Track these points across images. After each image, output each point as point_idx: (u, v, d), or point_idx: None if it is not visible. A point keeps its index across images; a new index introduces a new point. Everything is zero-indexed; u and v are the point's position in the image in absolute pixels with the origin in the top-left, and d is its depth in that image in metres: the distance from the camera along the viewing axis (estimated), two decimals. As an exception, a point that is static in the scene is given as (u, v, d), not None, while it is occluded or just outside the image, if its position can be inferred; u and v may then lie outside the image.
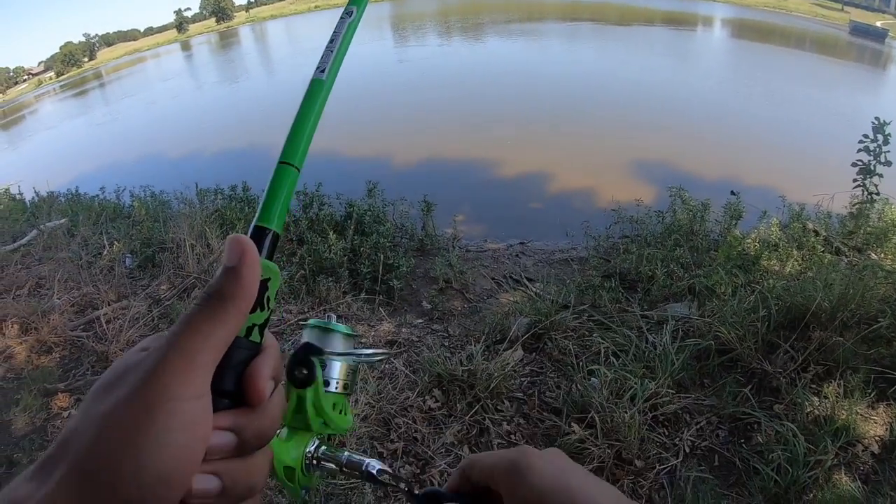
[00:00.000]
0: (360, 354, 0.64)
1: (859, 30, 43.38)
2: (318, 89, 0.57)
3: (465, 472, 0.60)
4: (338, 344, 0.63)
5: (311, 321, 0.64)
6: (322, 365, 0.61)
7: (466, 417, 3.25)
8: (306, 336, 0.63)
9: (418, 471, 2.94)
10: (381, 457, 3.02)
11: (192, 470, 0.40)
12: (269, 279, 0.47)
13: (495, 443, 3.12)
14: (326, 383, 0.61)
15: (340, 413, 0.63)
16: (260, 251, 0.48)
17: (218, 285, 0.43)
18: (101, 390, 0.40)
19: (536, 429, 3.23)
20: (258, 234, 0.49)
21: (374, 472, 0.65)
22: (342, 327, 0.64)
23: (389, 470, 0.66)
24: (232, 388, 0.45)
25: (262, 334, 0.48)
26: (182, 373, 0.39)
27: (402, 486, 0.66)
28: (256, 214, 0.50)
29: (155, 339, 0.43)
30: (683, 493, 2.78)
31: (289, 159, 0.53)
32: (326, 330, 0.64)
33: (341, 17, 0.62)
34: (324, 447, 0.64)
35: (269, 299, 0.48)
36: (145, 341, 0.44)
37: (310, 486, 0.65)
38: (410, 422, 3.21)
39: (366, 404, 3.26)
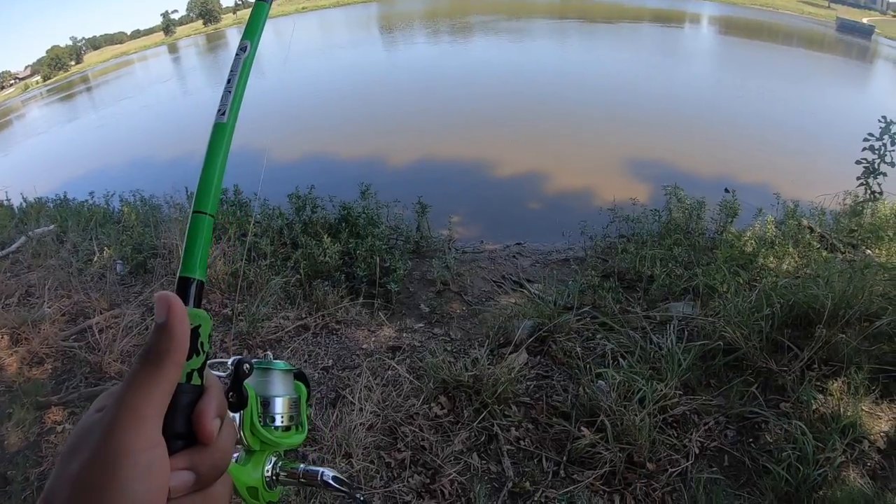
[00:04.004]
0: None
1: (846, 26, 43.88)
2: (221, 133, 0.59)
3: None
4: (276, 382, 0.71)
5: (254, 364, 0.68)
6: (258, 393, 0.68)
7: (474, 424, 3.21)
8: (252, 379, 0.67)
9: (428, 480, 2.89)
10: (388, 467, 2.97)
11: None
12: (199, 326, 0.51)
13: (505, 449, 3.08)
14: (272, 418, 0.69)
15: (288, 431, 0.70)
16: (186, 301, 0.51)
17: (152, 342, 0.47)
18: (69, 453, 0.45)
19: (545, 434, 3.19)
20: (183, 285, 0.53)
21: (329, 479, 0.75)
22: (280, 364, 0.72)
23: (343, 477, 0.76)
24: (183, 430, 0.48)
25: (202, 377, 0.51)
26: (133, 428, 0.43)
27: (358, 496, 0.79)
28: (180, 266, 0.54)
29: (107, 396, 0.48)
30: (696, 494, 2.75)
31: (202, 208, 0.56)
32: (266, 370, 0.71)
33: (236, 55, 0.63)
34: (280, 462, 0.72)
35: (202, 344, 0.51)
36: (99, 400, 0.49)
37: (275, 501, 0.71)
38: (417, 430, 3.16)
39: (371, 413, 3.21)
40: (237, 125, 0.60)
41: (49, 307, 4.85)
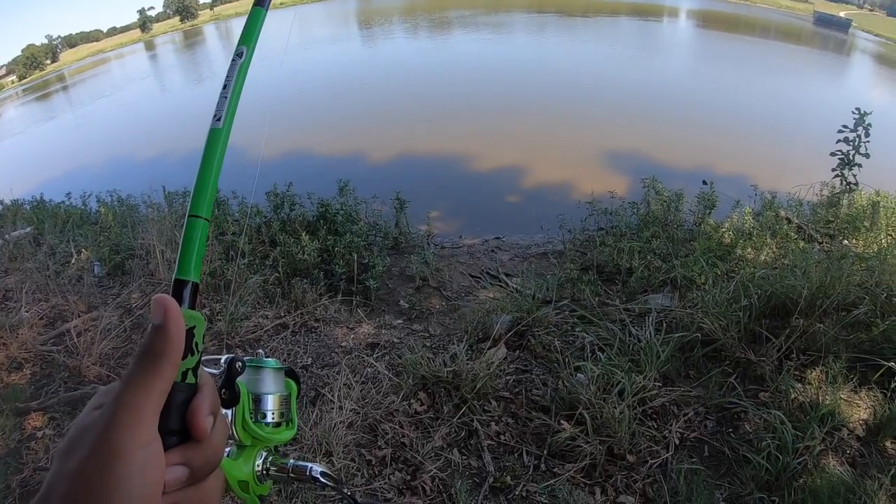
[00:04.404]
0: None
1: (823, 20, 44.48)
2: (216, 139, 0.60)
3: None
4: (268, 380, 0.72)
5: (246, 362, 0.70)
6: (250, 391, 0.69)
7: (454, 420, 3.19)
8: (244, 376, 0.68)
9: (409, 477, 2.87)
10: (369, 464, 2.95)
11: None
12: (193, 327, 0.52)
13: (485, 444, 3.07)
14: (263, 415, 0.70)
15: (279, 427, 0.71)
16: (181, 302, 0.53)
17: (149, 343, 0.48)
18: (67, 450, 0.46)
19: (525, 428, 3.18)
20: (178, 287, 0.54)
21: (318, 474, 0.78)
22: (272, 362, 0.74)
23: (331, 472, 0.80)
24: (178, 427, 0.50)
25: (196, 375, 0.53)
26: (130, 426, 0.45)
27: (346, 490, 0.83)
28: (175, 269, 0.55)
29: (104, 393, 0.50)
30: (677, 485, 2.76)
31: (197, 212, 0.57)
32: (258, 368, 0.72)
33: (232, 60, 0.63)
34: (271, 457, 0.74)
35: (196, 344, 0.52)
36: (97, 398, 0.51)
37: (265, 495, 0.74)
38: (397, 427, 3.14)
39: (351, 410, 3.18)
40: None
41: (27, 311, 4.76)
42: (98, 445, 0.44)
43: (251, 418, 0.70)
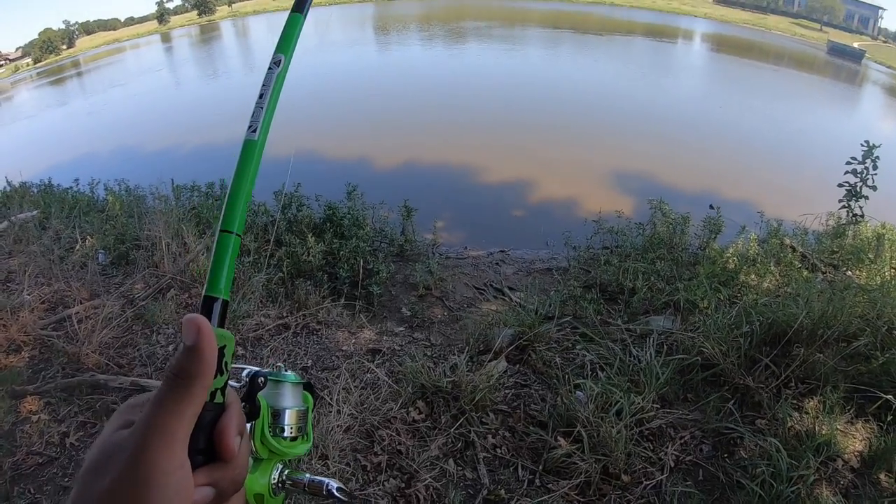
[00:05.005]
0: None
1: (836, 50, 44.57)
2: (251, 151, 0.59)
3: None
4: (287, 394, 0.71)
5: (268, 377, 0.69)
6: (269, 405, 0.68)
7: (451, 430, 3.20)
8: (264, 390, 0.67)
9: (403, 485, 2.88)
10: (364, 470, 2.95)
11: None
12: (224, 346, 0.51)
13: (481, 456, 3.08)
14: (282, 429, 0.69)
15: (295, 440, 0.71)
16: (211, 320, 0.53)
17: (182, 364, 0.48)
18: (94, 470, 0.46)
19: (522, 442, 3.19)
20: (208, 305, 0.54)
21: (334, 490, 0.76)
22: (291, 377, 0.72)
23: (347, 489, 0.77)
24: (204, 447, 0.50)
25: (224, 395, 0.52)
26: (164, 449, 0.45)
27: None
28: (205, 285, 0.54)
29: (130, 409, 0.50)
30: (670, 508, 2.77)
31: (229, 227, 0.57)
32: (278, 382, 0.71)
33: (269, 69, 0.62)
34: (287, 471, 0.73)
35: (226, 364, 0.52)
36: (122, 415, 0.50)
37: None
38: (394, 434, 3.15)
39: (348, 415, 3.20)
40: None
41: (29, 294, 4.77)
42: (129, 468, 0.44)
43: (270, 432, 0.69)
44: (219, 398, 0.51)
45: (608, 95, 18.72)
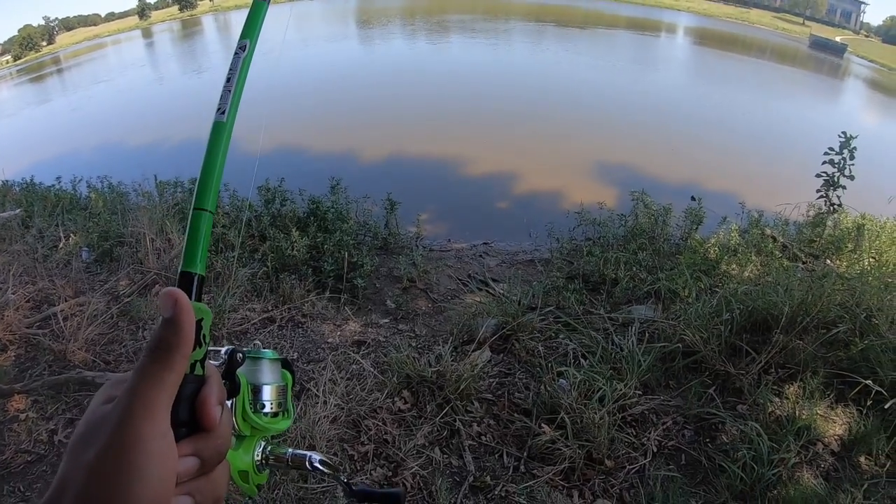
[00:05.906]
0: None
1: (819, 44, 44.94)
2: (220, 132, 0.61)
3: None
4: (265, 370, 0.73)
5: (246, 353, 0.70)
6: (249, 381, 0.70)
7: (437, 419, 3.23)
8: (243, 367, 0.68)
9: (390, 473, 2.90)
10: (351, 459, 2.98)
11: (169, 496, 0.47)
12: (201, 319, 0.53)
13: (466, 444, 3.11)
14: (262, 405, 0.70)
15: (276, 416, 0.72)
16: (189, 295, 0.54)
17: (161, 335, 0.49)
18: (81, 442, 0.47)
19: (507, 430, 3.22)
20: (185, 280, 0.56)
21: (317, 463, 0.78)
22: (269, 353, 0.73)
23: (329, 461, 0.80)
24: (187, 418, 0.51)
25: (203, 367, 0.54)
26: (146, 418, 0.46)
27: (342, 477, 0.83)
28: (181, 261, 0.56)
29: (114, 385, 0.51)
30: (653, 491, 2.82)
31: (202, 205, 0.59)
32: (256, 359, 0.72)
33: (235, 53, 0.64)
34: (269, 447, 0.75)
35: (204, 336, 0.53)
36: (106, 391, 0.51)
37: (262, 483, 0.75)
38: (380, 423, 3.17)
39: (335, 406, 3.21)
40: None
41: (13, 293, 4.73)
42: (114, 436, 0.45)
43: (251, 408, 0.70)
44: (199, 370, 0.53)
45: (592, 88, 18.78)
